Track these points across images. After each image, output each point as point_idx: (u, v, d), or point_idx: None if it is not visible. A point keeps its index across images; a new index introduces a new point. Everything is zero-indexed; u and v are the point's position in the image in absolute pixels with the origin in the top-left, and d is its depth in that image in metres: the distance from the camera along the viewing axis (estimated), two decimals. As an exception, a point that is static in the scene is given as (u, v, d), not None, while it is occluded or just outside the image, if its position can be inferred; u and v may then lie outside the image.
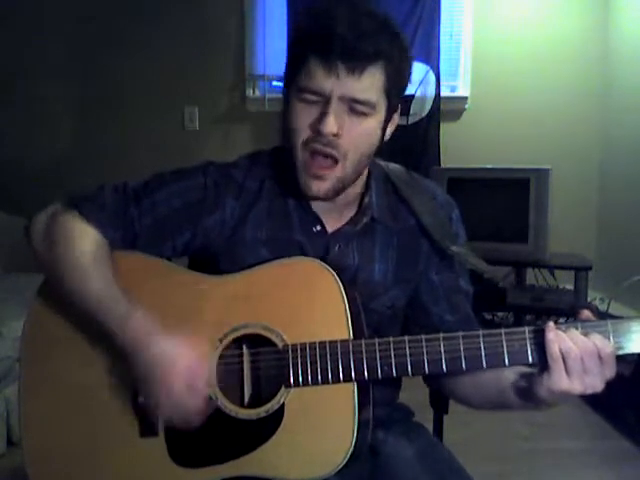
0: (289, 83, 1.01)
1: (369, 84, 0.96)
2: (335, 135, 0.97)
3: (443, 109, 3.64)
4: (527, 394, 0.97)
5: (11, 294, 2.34)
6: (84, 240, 1.02)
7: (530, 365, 0.96)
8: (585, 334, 0.91)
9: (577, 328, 0.92)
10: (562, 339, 0.90)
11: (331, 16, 0.96)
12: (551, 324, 0.92)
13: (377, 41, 0.95)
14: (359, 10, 0.97)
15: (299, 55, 0.98)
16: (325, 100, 0.97)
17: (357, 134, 0.99)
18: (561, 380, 0.90)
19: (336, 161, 1.00)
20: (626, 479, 2.20)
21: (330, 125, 0.96)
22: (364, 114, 0.98)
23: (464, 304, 1.15)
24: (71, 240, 1.02)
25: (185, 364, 0.94)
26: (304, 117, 0.98)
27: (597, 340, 0.90)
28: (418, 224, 1.11)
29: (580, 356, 0.89)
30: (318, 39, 0.95)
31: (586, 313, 0.94)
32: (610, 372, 0.91)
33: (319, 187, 1.02)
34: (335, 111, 0.96)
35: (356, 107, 0.97)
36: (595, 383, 0.91)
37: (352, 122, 0.98)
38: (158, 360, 0.94)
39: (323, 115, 0.96)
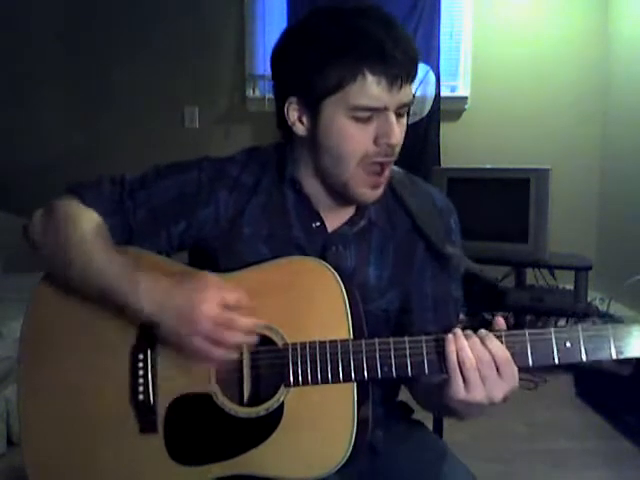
0: (320, 98, 0.98)
1: (412, 87, 0.99)
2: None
3: (443, 109, 3.64)
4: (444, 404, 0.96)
5: (11, 294, 2.34)
6: (83, 219, 1.03)
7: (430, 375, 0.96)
8: (482, 341, 0.90)
9: (501, 337, 0.91)
10: (461, 348, 0.89)
11: (372, 30, 0.94)
12: (450, 336, 0.91)
13: (416, 49, 0.98)
14: (387, 17, 0.97)
15: (348, 73, 0.94)
16: (382, 112, 0.97)
17: (403, 134, 1.01)
18: (459, 390, 0.89)
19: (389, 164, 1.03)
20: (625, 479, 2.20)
21: (398, 136, 0.99)
22: (404, 113, 1.01)
23: (450, 315, 1.14)
24: (71, 220, 1.03)
25: (210, 292, 0.93)
26: (362, 135, 0.98)
27: (494, 347, 0.89)
28: (414, 227, 1.11)
29: (476, 366, 0.88)
30: (374, 58, 0.93)
31: (500, 322, 0.94)
32: (510, 382, 0.89)
33: (376, 194, 1.04)
34: (396, 120, 0.98)
35: (402, 110, 1.00)
36: (492, 394, 0.89)
37: (399, 123, 1.00)
38: (185, 302, 0.93)
39: (388, 128, 0.97)
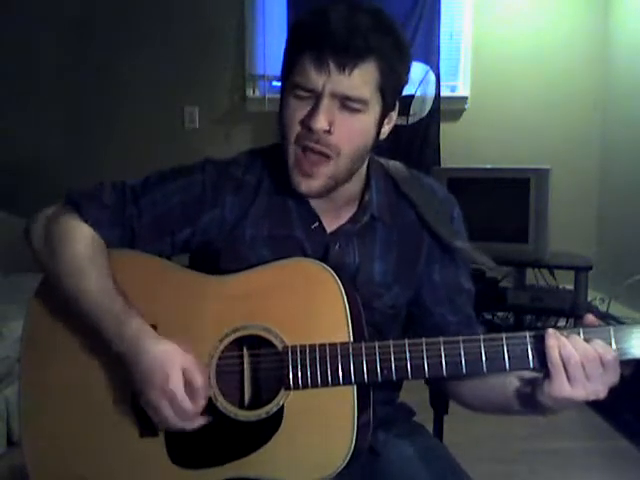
0: (284, 79, 1.01)
1: (361, 81, 0.96)
2: (326, 131, 0.97)
3: (443, 109, 3.64)
4: (530, 401, 0.96)
5: (11, 294, 2.34)
6: (81, 241, 1.02)
7: (533, 370, 0.95)
8: (587, 340, 0.90)
9: (579, 334, 0.91)
10: (563, 345, 0.89)
11: (325, 13, 0.96)
12: (551, 330, 0.91)
13: (368, 37, 0.94)
14: (354, 7, 0.97)
15: (293, 51, 0.98)
16: (316, 96, 0.97)
17: (349, 131, 0.99)
18: (562, 387, 0.89)
19: (328, 157, 1.00)
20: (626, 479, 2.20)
21: (320, 121, 0.96)
22: (357, 110, 0.98)
23: (465, 304, 1.14)
24: (68, 241, 1.02)
25: (183, 366, 0.94)
26: (296, 113, 0.99)
27: (599, 346, 0.89)
28: (419, 218, 1.10)
29: (581, 362, 0.88)
30: (311, 35, 0.96)
31: (590, 318, 0.93)
32: (613, 378, 0.90)
33: (309, 185, 1.01)
34: (326, 107, 0.96)
35: (348, 104, 0.97)
36: (598, 389, 0.89)
37: (344, 118, 0.98)
38: (157, 362, 0.94)
39: (313, 111, 0.96)
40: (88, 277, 0.99)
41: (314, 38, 0.95)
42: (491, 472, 2.10)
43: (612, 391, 0.91)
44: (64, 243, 1.02)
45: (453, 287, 1.13)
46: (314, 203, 1.08)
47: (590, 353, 0.88)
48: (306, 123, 0.97)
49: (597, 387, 0.89)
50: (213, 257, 1.08)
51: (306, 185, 1.01)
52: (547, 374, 0.91)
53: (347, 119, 0.98)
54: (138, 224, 1.07)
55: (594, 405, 2.60)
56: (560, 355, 0.89)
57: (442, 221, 1.11)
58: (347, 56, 0.94)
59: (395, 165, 1.15)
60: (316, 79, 0.95)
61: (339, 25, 0.94)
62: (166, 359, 0.94)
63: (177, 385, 0.93)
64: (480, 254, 1.11)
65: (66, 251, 1.02)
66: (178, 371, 0.94)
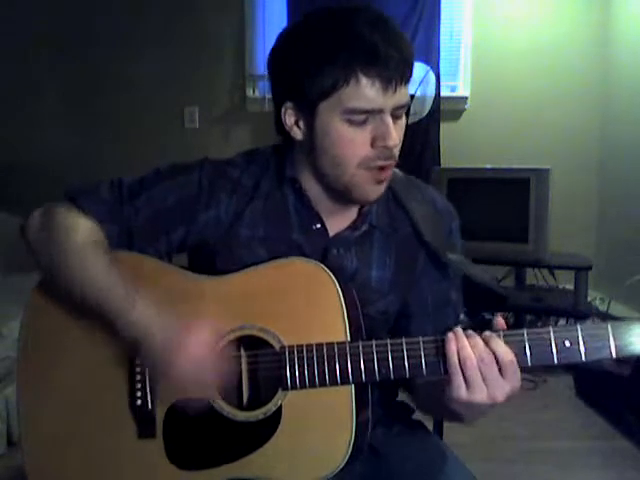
0: (315, 103, 0.97)
1: (407, 88, 0.98)
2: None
3: (443, 109, 3.64)
4: (447, 407, 0.94)
5: (11, 294, 2.33)
6: (81, 229, 1.01)
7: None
8: (486, 342, 0.89)
9: (500, 336, 0.90)
10: (462, 347, 0.88)
11: (363, 31, 0.93)
12: (451, 334, 0.90)
13: (409, 47, 0.96)
14: (379, 17, 0.96)
15: (340, 76, 0.93)
16: (375, 114, 0.96)
17: (401, 135, 1.01)
18: (460, 390, 0.88)
19: (391, 165, 1.02)
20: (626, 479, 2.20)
21: (394, 139, 0.97)
22: (401, 115, 1.00)
23: (449, 317, 1.14)
24: (68, 229, 1.01)
25: (198, 339, 0.93)
26: (358, 139, 0.97)
27: (499, 348, 0.88)
28: (415, 232, 1.10)
29: (477, 365, 0.87)
30: (365, 61, 0.92)
31: (500, 322, 0.92)
32: (512, 383, 0.88)
33: (379, 192, 1.03)
34: (391, 122, 0.97)
35: (398, 112, 0.98)
36: (495, 394, 0.88)
37: (397, 125, 0.99)
38: (170, 338, 0.93)
39: (385, 130, 0.96)
40: (90, 263, 0.98)
41: (372, 62, 0.92)
42: (491, 472, 2.10)
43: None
44: (64, 233, 1.01)
45: (441, 300, 1.13)
46: (317, 204, 1.08)
47: (486, 355, 0.87)
48: (379, 144, 0.97)
49: (494, 391, 0.88)
50: (210, 258, 1.08)
51: (376, 193, 1.03)
52: (448, 378, 0.90)
53: (398, 125, 1.00)
54: (134, 222, 1.06)
55: (594, 405, 2.61)
56: (458, 358, 0.88)
57: (438, 235, 1.10)
58: (406, 71, 0.96)
59: (394, 173, 1.15)
60: (381, 100, 0.94)
61: (389, 44, 0.92)
62: (179, 335, 0.93)
63: (193, 357, 0.92)
64: (474, 267, 1.11)
65: (66, 240, 1.00)
66: (193, 344, 0.93)
